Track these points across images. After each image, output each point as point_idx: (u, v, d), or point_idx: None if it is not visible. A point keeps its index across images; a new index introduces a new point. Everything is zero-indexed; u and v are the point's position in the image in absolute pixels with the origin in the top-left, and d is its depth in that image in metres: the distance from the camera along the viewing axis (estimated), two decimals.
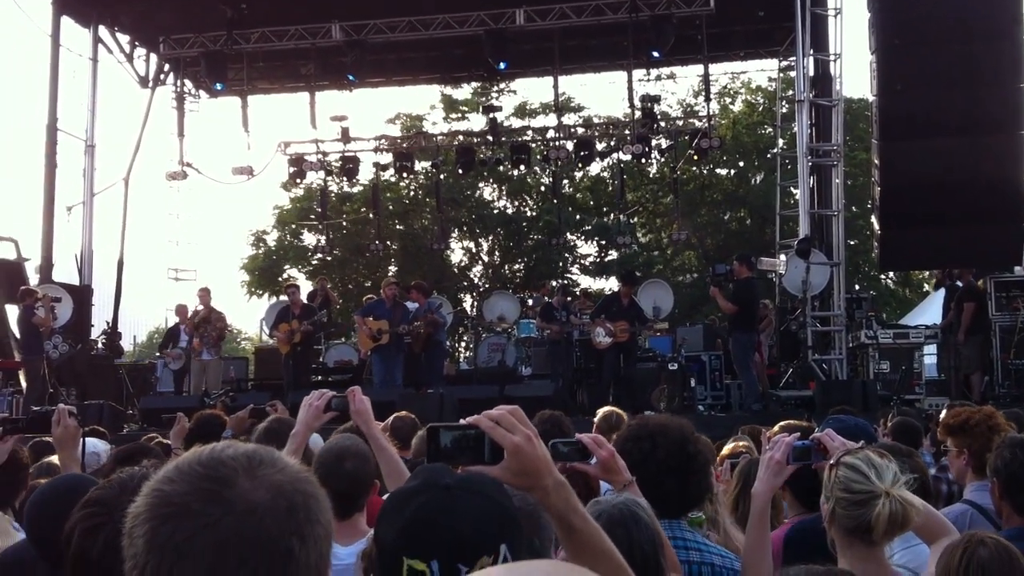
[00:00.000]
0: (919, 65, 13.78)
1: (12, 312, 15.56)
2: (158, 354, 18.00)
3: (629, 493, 2.80)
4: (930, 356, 15.88)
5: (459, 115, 32.44)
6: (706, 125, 19.36)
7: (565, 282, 27.94)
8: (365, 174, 22.73)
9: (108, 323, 18.46)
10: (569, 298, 18.80)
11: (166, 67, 20.41)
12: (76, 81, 18.45)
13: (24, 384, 14.80)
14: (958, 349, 13.75)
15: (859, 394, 12.57)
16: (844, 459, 3.05)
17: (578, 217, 32.44)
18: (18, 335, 15.04)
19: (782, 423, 5.46)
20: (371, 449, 3.73)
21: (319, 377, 16.94)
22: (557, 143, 21.08)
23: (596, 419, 6.49)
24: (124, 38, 19.92)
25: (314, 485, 1.46)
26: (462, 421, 1.87)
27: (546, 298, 17.43)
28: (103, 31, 19.12)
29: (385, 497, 2.43)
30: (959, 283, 14.41)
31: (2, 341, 15.89)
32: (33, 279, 16.99)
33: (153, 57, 20.38)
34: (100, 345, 17.87)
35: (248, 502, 1.36)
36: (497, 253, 34.40)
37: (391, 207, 29.88)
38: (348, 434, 3.98)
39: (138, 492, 2.05)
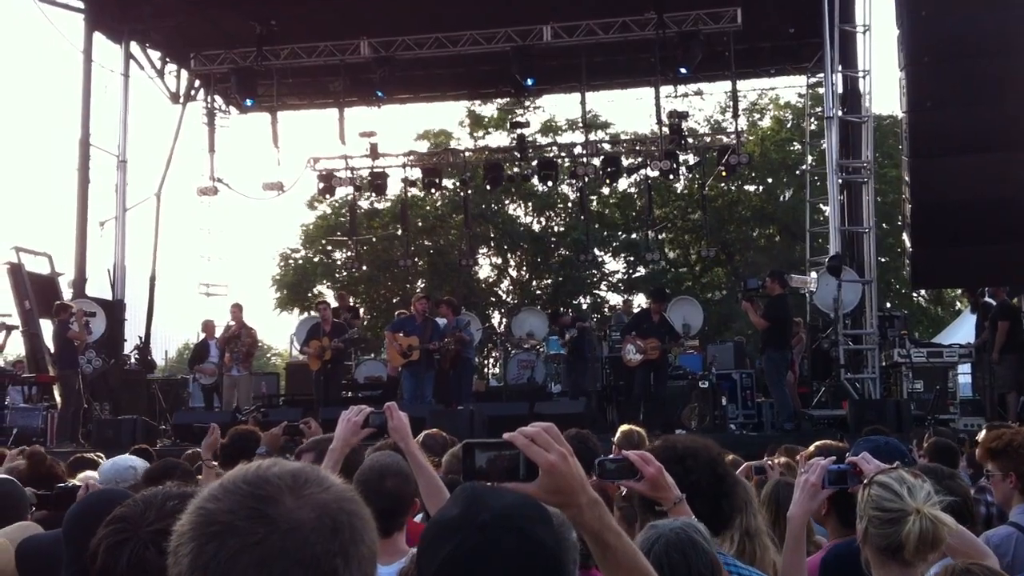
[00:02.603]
0: (949, 82, 13.67)
1: (46, 327, 15.70)
2: (191, 370, 18.12)
3: (685, 516, 2.77)
4: (964, 375, 15.70)
5: (484, 132, 32.51)
6: (734, 141, 19.33)
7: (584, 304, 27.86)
8: (393, 190, 22.84)
9: (140, 338, 18.59)
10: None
11: (197, 83, 20.63)
12: (108, 97, 18.61)
13: (59, 398, 14.92)
14: (992, 368, 13.58)
15: (893, 414, 12.43)
16: (877, 478, 3.04)
17: (605, 234, 32.38)
18: (53, 349, 15.17)
19: (817, 443, 5.43)
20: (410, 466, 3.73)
21: (350, 393, 17.00)
22: (584, 159, 21.09)
23: (616, 437, 6.42)
24: (155, 54, 20.13)
25: (359, 504, 1.45)
26: (500, 437, 1.87)
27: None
28: (135, 47, 19.31)
29: (427, 523, 2.42)
30: (992, 301, 14.27)
31: (37, 355, 16.03)
32: (67, 294, 17.15)
33: (184, 73, 20.60)
34: (133, 360, 18.00)
35: (293, 521, 1.35)
36: (525, 269, 34.40)
37: (419, 223, 29.98)
38: (388, 451, 3.97)
39: (163, 510, 2.07)
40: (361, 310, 31.51)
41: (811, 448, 5.36)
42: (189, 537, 1.36)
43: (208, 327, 16.91)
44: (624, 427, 6.63)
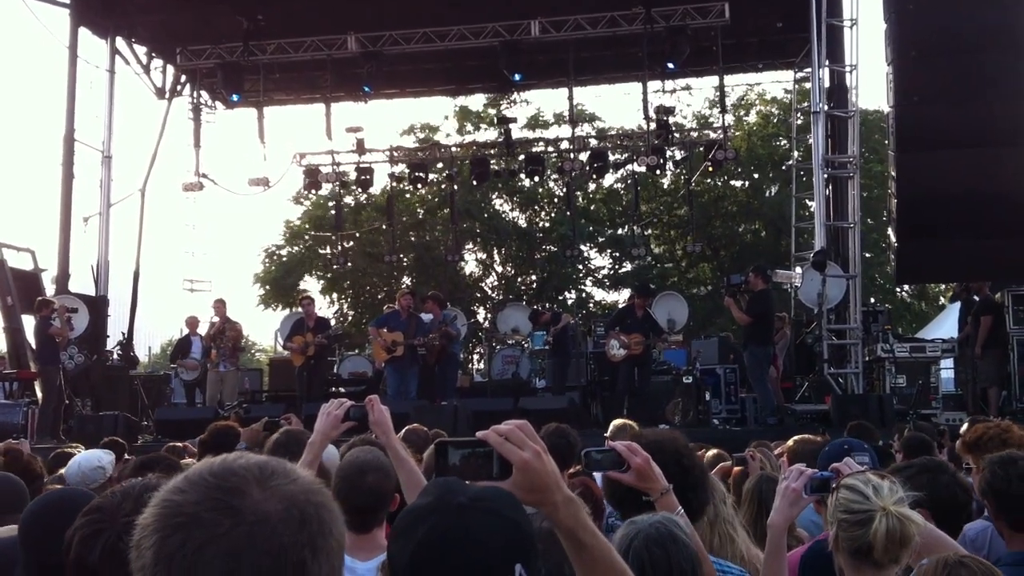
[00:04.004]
0: (936, 77, 13.70)
1: (28, 322, 15.63)
2: (172, 365, 18.05)
3: (666, 512, 2.76)
4: (947, 370, 15.75)
5: (473, 127, 32.44)
6: (721, 136, 19.33)
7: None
8: (379, 185, 22.79)
9: (123, 334, 18.51)
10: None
11: (183, 78, 20.55)
12: (93, 92, 18.58)
13: (40, 394, 14.84)
14: (975, 363, 13.65)
15: (875, 408, 12.47)
16: (844, 481, 3.04)
17: (591, 229, 32.38)
18: (34, 345, 15.09)
19: (795, 438, 5.43)
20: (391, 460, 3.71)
21: (333, 389, 16.96)
22: (571, 154, 21.08)
23: (608, 433, 6.45)
24: (141, 49, 20.07)
25: (327, 497, 1.44)
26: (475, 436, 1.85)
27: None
28: (120, 42, 19.25)
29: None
30: (976, 296, 14.32)
31: (19, 351, 15.94)
32: (49, 290, 17.06)
33: (170, 68, 20.51)
34: (115, 356, 17.92)
35: (260, 512, 1.34)
36: (510, 265, 34.38)
37: (405, 219, 29.94)
38: (369, 447, 3.95)
39: (140, 501, 2.05)
40: (344, 306, 31.44)
41: (789, 442, 5.36)
42: (153, 529, 1.34)
43: (192, 323, 16.88)
44: (617, 421, 6.66)
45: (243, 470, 1.39)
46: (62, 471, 6.03)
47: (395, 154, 22.29)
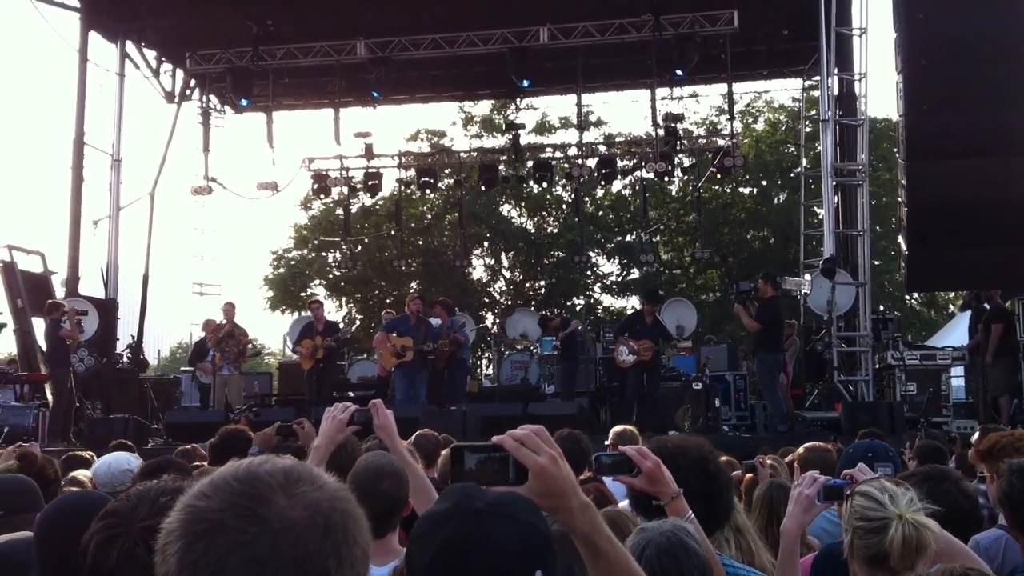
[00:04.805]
0: (946, 85, 13.65)
1: (38, 325, 15.66)
2: (188, 367, 18.07)
3: (676, 519, 2.75)
4: (957, 378, 15.70)
5: (486, 134, 32.44)
6: (729, 143, 19.32)
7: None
8: (387, 190, 22.79)
9: (133, 337, 18.54)
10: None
11: (192, 83, 20.58)
12: (103, 96, 18.64)
13: (51, 397, 14.88)
14: (986, 371, 13.60)
15: (886, 416, 12.43)
16: (859, 488, 3.02)
17: (599, 236, 32.32)
18: (45, 348, 15.13)
19: (806, 445, 5.43)
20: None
21: (342, 393, 16.97)
22: (579, 161, 21.08)
23: (608, 439, 6.44)
24: (151, 53, 20.12)
25: (352, 504, 1.43)
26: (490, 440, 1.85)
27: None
28: (130, 46, 19.30)
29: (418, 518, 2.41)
30: (986, 304, 14.28)
31: (29, 354, 15.98)
32: (59, 292, 17.11)
33: (179, 72, 20.57)
34: (125, 359, 17.95)
35: (285, 520, 1.33)
36: (518, 270, 34.33)
37: (413, 224, 29.95)
38: (382, 452, 3.94)
39: (156, 506, 2.05)
40: (353, 310, 31.39)
41: (800, 450, 5.36)
42: (177, 535, 1.33)
43: (208, 326, 16.88)
44: (617, 427, 6.62)
45: (268, 476, 1.38)
46: (75, 473, 6.03)
47: (404, 159, 22.32)
